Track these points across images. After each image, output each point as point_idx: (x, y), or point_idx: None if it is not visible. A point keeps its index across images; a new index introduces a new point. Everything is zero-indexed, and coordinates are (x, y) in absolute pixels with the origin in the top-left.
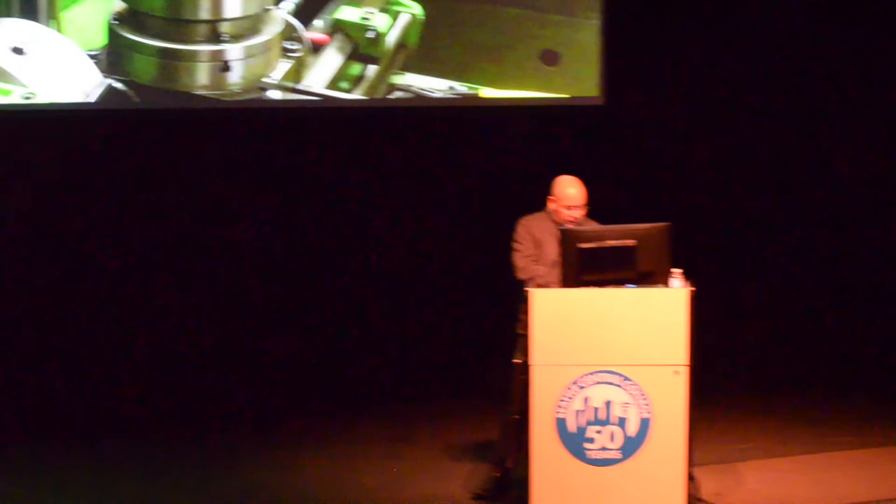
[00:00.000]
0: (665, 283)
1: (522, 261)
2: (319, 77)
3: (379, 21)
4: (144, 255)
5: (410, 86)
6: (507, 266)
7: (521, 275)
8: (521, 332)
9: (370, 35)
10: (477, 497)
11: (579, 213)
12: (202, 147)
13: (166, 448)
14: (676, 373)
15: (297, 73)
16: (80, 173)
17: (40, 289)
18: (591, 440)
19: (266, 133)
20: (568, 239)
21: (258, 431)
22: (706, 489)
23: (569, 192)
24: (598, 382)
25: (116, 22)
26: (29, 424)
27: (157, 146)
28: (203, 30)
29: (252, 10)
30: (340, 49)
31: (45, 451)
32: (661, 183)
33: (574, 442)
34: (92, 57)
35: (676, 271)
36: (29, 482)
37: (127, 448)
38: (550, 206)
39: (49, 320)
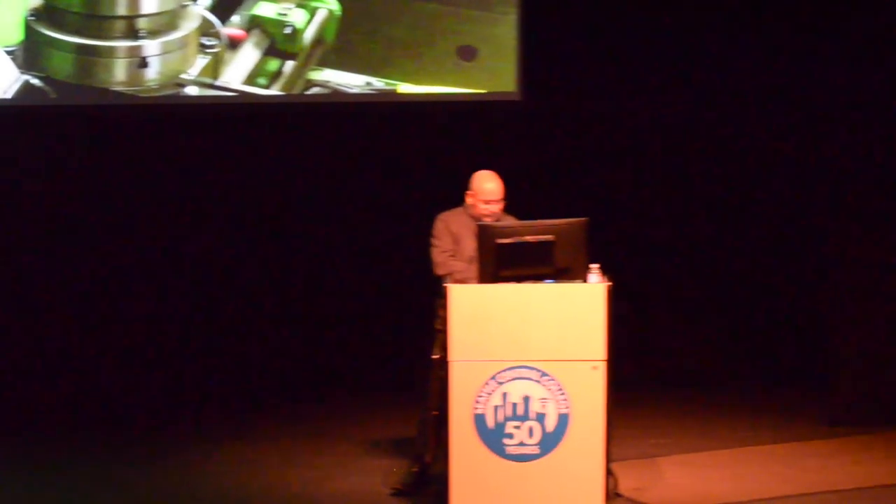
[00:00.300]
0: (583, 278)
1: (440, 256)
2: (237, 73)
3: (296, 17)
4: (56, 250)
5: (328, 81)
6: (426, 262)
7: (438, 271)
8: (439, 327)
9: (287, 31)
10: (396, 492)
11: (497, 208)
12: (120, 143)
13: (74, 447)
14: (595, 368)
15: (214, 69)
16: None
17: None
18: (509, 436)
19: (184, 129)
20: (485, 234)
21: (177, 429)
22: (625, 484)
23: (486, 186)
24: (517, 378)
25: (33, 18)
26: None
27: (74, 142)
28: (120, 26)
29: (169, 6)
30: (257, 45)
31: None
32: (579, 178)
33: (493, 438)
34: (8, 53)
35: (594, 266)
36: None
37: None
38: (468, 200)
39: None
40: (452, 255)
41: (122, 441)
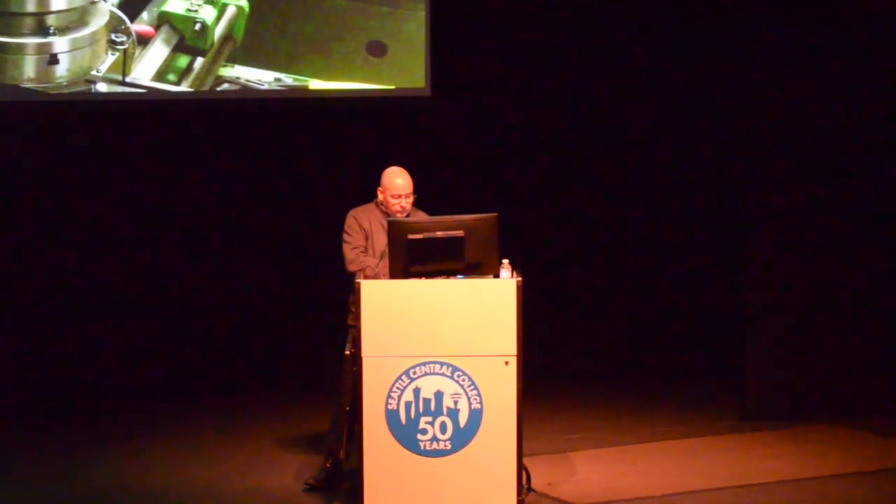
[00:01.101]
0: (494, 273)
1: (352, 252)
2: (147, 69)
3: (205, 13)
4: None
5: (238, 78)
6: (338, 257)
7: (350, 266)
8: (351, 323)
9: (197, 27)
10: (309, 488)
11: (407, 203)
12: (29, 140)
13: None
14: (507, 363)
15: (123, 65)
16: None
17: None
18: (423, 431)
19: (93, 126)
20: (396, 230)
21: (88, 424)
22: (538, 479)
23: (396, 182)
24: (429, 373)
25: None
26: None
27: None
28: (30, 22)
29: (78, 3)
30: (167, 41)
31: None
32: (488, 173)
33: (405, 433)
34: None
35: (505, 262)
36: None
37: None
38: (379, 196)
39: None
40: (364, 251)
41: (33, 438)
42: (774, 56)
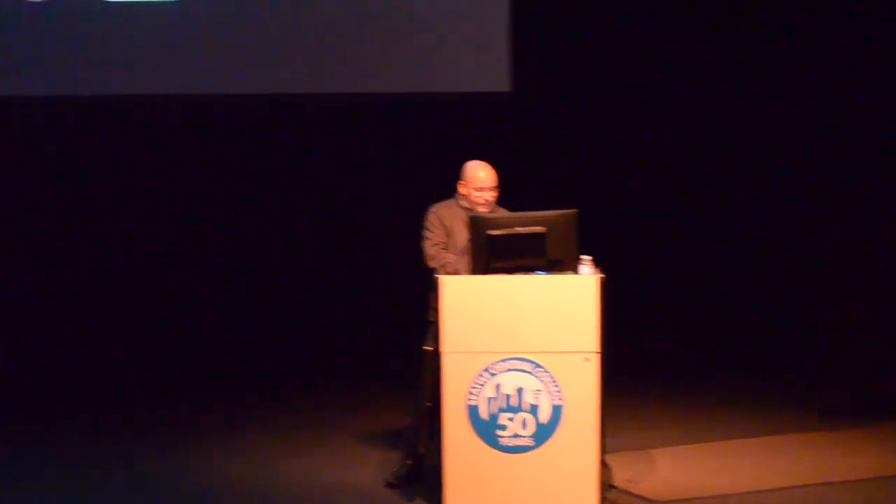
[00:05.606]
0: (574, 269)
1: (432, 249)
2: None
3: None
4: None
5: None
6: (419, 254)
7: (430, 263)
8: (432, 319)
9: None
10: (390, 485)
11: (490, 196)
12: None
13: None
14: (587, 360)
15: None
16: None
17: None
18: (503, 427)
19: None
20: (477, 226)
21: (174, 421)
22: (619, 476)
23: (479, 174)
24: (510, 369)
25: None
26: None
27: None
28: None
29: None
30: None
31: None
32: (569, 169)
33: (486, 429)
34: None
35: (586, 258)
36: None
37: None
38: (461, 190)
39: None
40: (444, 247)
41: (123, 433)
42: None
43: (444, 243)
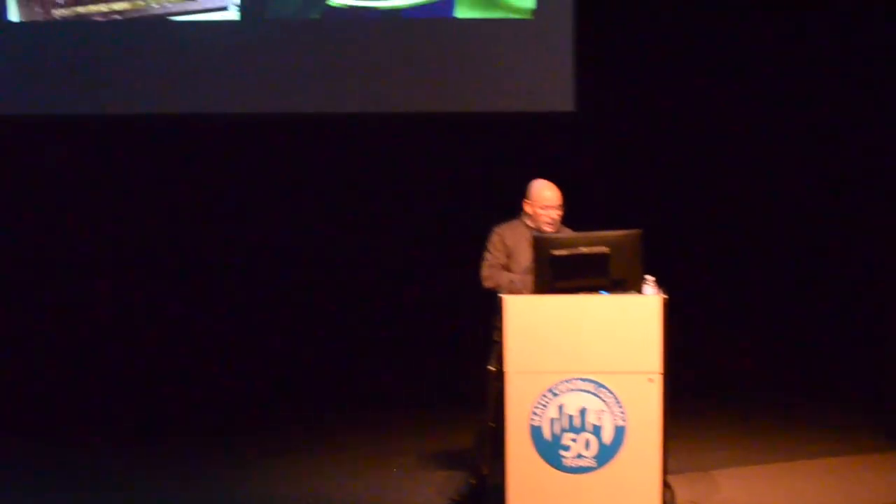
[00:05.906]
0: (638, 290)
1: (487, 270)
2: None
3: None
4: None
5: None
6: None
7: (485, 283)
8: (496, 339)
9: None
10: (454, 503)
11: (556, 214)
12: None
13: (151, 452)
14: (651, 380)
15: None
16: None
17: None
18: (566, 448)
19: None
20: (541, 246)
21: (239, 439)
22: (681, 497)
23: (545, 193)
24: (573, 390)
25: None
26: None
27: None
28: None
29: None
30: None
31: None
32: (634, 189)
33: (549, 449)
34: None
35: (649, 278)
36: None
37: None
38: (527, 209)
39: None
40: (504, 268)
41: (184, 450)
42: None
43: (502, 264)
